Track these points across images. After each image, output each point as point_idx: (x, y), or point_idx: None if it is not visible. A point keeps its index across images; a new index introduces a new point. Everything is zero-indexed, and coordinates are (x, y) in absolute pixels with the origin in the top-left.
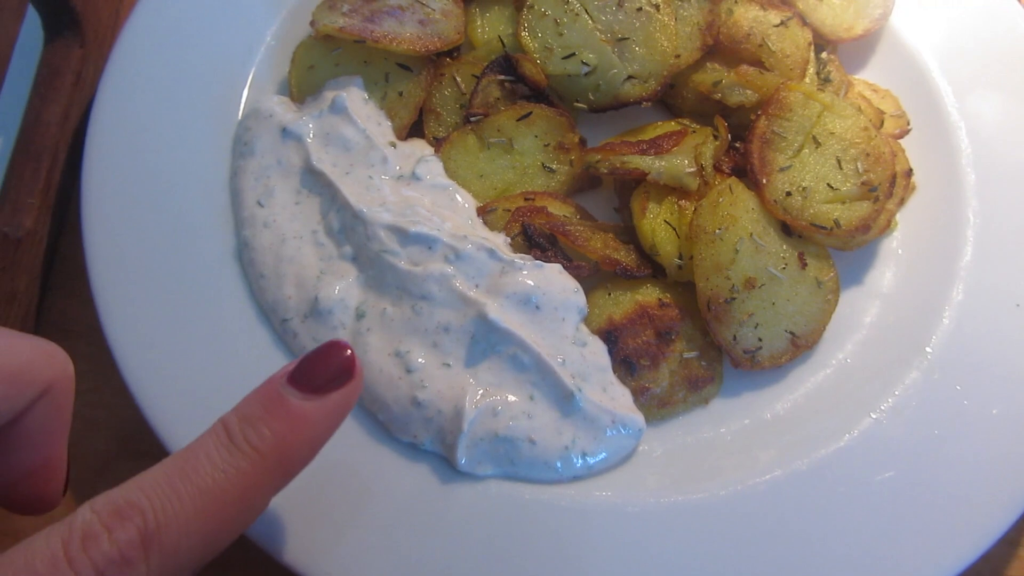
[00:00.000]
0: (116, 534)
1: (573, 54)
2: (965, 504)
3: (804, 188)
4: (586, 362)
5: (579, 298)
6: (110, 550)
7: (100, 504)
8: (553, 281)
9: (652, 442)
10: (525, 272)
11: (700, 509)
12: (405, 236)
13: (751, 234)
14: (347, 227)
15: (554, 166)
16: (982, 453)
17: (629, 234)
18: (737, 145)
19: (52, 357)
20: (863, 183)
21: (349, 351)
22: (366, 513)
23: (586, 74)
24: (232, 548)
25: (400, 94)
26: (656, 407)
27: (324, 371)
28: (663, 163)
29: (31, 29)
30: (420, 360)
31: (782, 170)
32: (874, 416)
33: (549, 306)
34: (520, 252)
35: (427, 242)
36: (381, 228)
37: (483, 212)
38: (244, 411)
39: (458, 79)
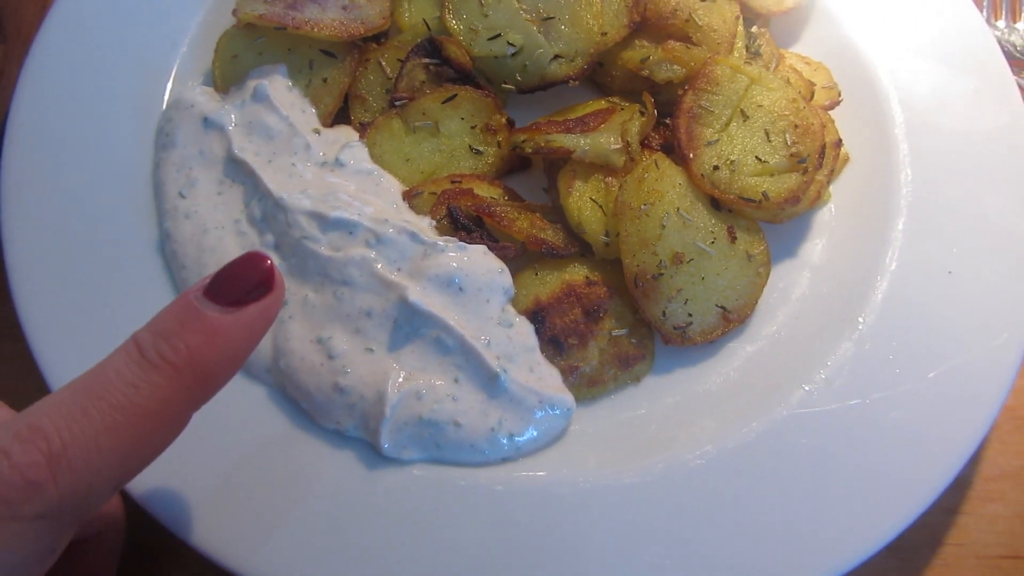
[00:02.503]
0: (17, 458)
1: (499, 35)
2: (899, 472)
3: (732, 161)
4: (512, 343)
5: (504, 279)
6: (11, 475)
7: (0, 432)
8: (477, 262)
9: (584, 421)
10: (448, 254)
11: (635, 487)
12: (325, 222)
13: (678, 209)
14: (268, 215)
15: (481, 148)
16: (915, 421)
17: (557, 214)
18: (666, 121)
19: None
20: (792, 155)
21: (268, 262)
22: (291, 502)
23: (512, 55)
24: (159, 538)
25: (324, 81)
26: (586, 386)
27: (241, 282)
28: (588, 141)
29: None
30: (342, 346)
31: (709, 144)
32: (807, 388)
33: (473, 287)
34: (446, 235)
35: (347, 227)
36: (301, 214)
37: (409, 196)
38: (157, 326)
39: (384, 64)
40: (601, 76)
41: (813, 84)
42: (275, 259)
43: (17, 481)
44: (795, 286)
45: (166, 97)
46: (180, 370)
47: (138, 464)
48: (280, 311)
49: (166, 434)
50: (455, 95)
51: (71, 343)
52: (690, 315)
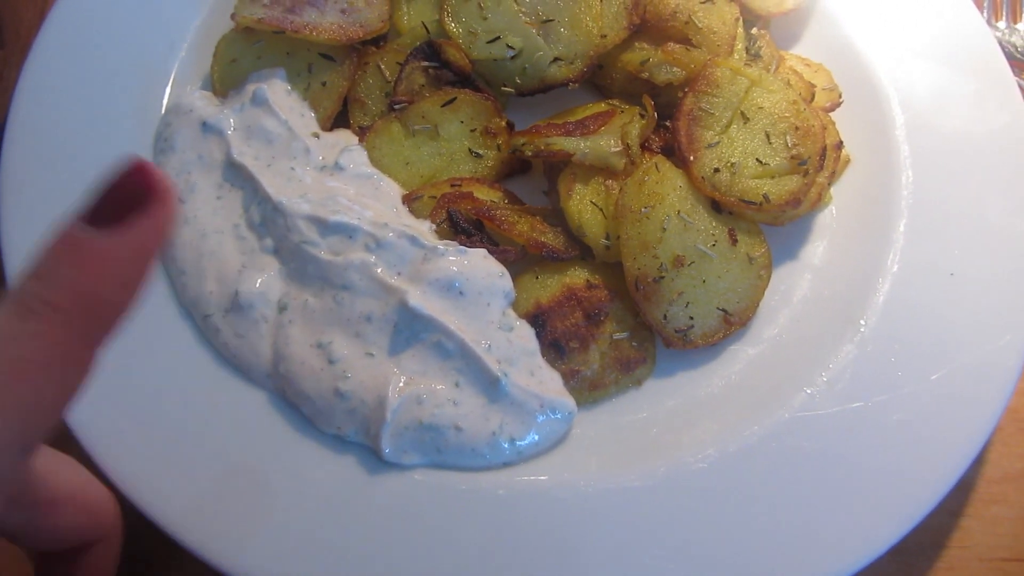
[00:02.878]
0: None
1: (498, 38)
2: (901, 475)
3: (732, 164)
4: (513, 347)
5: (504, 282)
6: None
7: None
8: (477, 266)
9: (586, 425)
10: (448, 258)
11: (637, 491)
12: (325, 226)
13: (678, 212)
14: (268, 219)
15: (481, 151)
16: (917, 423)
17: (558, 217)
18: (667, 124)
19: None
20: (792, 157)
21: (151, 171)
22: (292, 507)
23: (512, 58)
24: (158, 543)
25: (323, 84)
26: (587, 390)
27: (120, 197)
28: (588, 144)
29: None
30: (343, 351)
31: (710, 146)
32: (809, 391)
33: (473, 291)
34: (446, 239)
35: (347, 231)
36: (300, 219)
37: (409, 200)
38: (34, 267)
39: (383, 67)
40: (601, 78)
41: (813, 86)
42: (274, 263)
43: None
44: (796, 288)
45: (165, 102)
46: (64, 309)
47: (41, 419)
48: (283, 321)
49: (67, 381)
50: (454, 98)
51: None
52: (691, 318)
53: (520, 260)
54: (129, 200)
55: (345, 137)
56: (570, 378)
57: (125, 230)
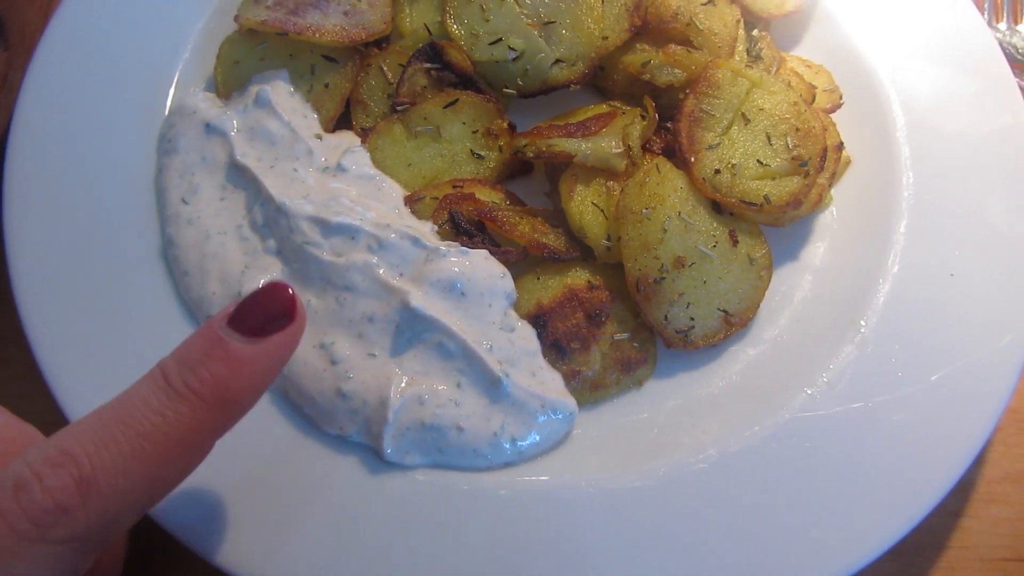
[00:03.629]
0: (48, 482)
1: (500, 40)
2: (901, 475)
3: (733, 165)
4: (514, 347)
5: (506, 283)
6: (43, 499)
7: (32, 455)
8: (479, 267)
9: (587, 425)
10: (450, 259)
11: (638, 491)
12: (327, 227)
13: (679, 213)
14: (271, 221)
15: (483, 152)
16: (918, 424)
17: (559, 218)
18: (668, 125)
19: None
20: (793, 158)
21: (290, 291)
22: (294, 508)
23: (513, 59)
24: (162, 544)
25: (326, 86)
26: (588, 390)
27: (264, 312)
28: (590, 145)
29: None
30: (345, 351)
31: (711, 148)
32: (809, 391)
33: (475, 292)
34: (448, 240)
35: (349, 232)
36: (303, 220)
37: (411, 201)
38: (182, 355)
39: (385, 69)
40: (602, 80)
41: (814, 87)
42: (277, 264)
43: (48, 505)
44: (797, 289)
45: (168, 103)
46: (205, 399)
47: (162, 490)
48: None
49: (190, 461)
50: (456, 100)
51: (74, 349)
52: (692, 319)
53: (521, 261)
54: (272, 317)
55: (348, 138)
56: (571, 379)
57: (267, 342)
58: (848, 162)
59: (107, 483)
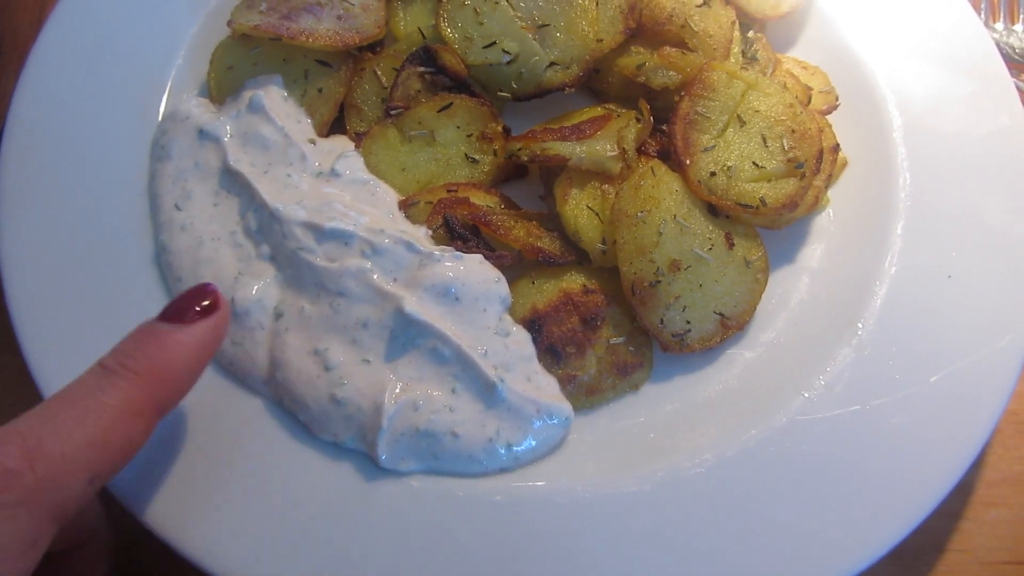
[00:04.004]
0: None
1: (494, 43)
2: (900, 478)
3: (729, 167)
4: (509, 352)
5: (501, 288)
6: None
7: None
8: (473, 272)
9: (583, 430)
10: (444, 264)
11: (634, 496)
12: (321, 232)
13: (675, 216)
14: (264, 226)
15: (477, 156)
16: (916, 426)
17: (554, 222)
18: (663, 128)
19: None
20: (789, 160)
21: (215, 291)
22: (289, 515)
23: (508, 63)
24: (155, 551)
25: (320, 91)
26: (584, 395)
27: (190, 304)
28: (584, 148)
29: None
30: (339, 357)
31: (706, 150)
32: (807, 395)
33: (469, 297)
34: (442, 244)
35: (343, 237)
36: (296, 225)
37: (405, 206)
38: (116, 347)
39: (379, 73)
40: (597, 83)
41: (810, 88)
42: (271, 270)
43: None
44: (794, 292)
45: (162, 109)
46: (140, 373)
47: (109, 457)
48: (279, 328)
49: (134, 430)
50: (451, 104)
51: (67, 355)
52: (688, 322)
53: (516, 265)
54: (196, 307)
55: (341, 143)
56: (567, 383)
57: (194, 326)
58: (844, 164)
59: (51, 449)
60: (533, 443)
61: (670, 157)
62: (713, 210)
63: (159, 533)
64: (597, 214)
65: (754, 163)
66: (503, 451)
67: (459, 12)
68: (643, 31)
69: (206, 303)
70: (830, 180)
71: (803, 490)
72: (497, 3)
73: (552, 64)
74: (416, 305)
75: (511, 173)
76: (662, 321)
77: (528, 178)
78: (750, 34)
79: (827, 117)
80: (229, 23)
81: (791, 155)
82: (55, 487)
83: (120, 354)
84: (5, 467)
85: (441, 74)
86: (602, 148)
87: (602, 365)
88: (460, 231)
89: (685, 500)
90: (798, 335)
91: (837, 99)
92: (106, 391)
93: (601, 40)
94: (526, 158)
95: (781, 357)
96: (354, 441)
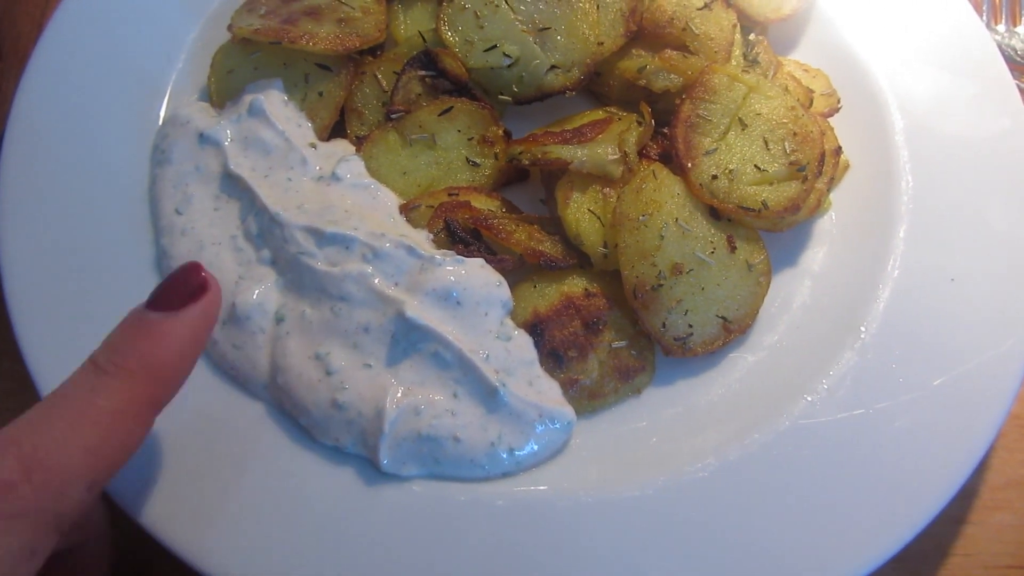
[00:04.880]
0: None
1: (494, 46)
2: (904, 482)
3: (731, 171)
4: (511, 356)
5: (502, 292)
6: None
7: None
8: (474, 275)
9: (585, 435)
10: (445, 268)
11: (637, 500)
12: (321, 237)
13: (676, 219)
14: (265, 231)
15: (478, 160)
16: (919, 430)
17: (555, 225)
18: (664, 131)
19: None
20: (791, 163)
21: (203, 271)
22: (291, 519)
23: (508, 66)
24: (156, 555)
25: (320, 94)
26: (586, 399)
27: (178, 289)
28: (586, 152)
29: None
30: (340, 362)
31: (708, 153)
32: (809, 398)
33: (471, 301)
34: (444, 248)
35: (344, 242)
36: (297, 230)
37: (406, 210)
38: (108, 341)
39: (379, 77)
40: (598, 86)
41: (812, 91)
42: (272, 275)
43: None
44: (796, 295)
45: (162, 113)
46: (133, 371)
47: (107, 462)
48: (280, 332)
49: (130, 432)
50: (451, 107)
51: (69, 361)
52: (690, 326)
53: (518, 269)
54: (185, 292)
55: (342, 147)
56: (569, 387)
57: (183, 313)
58: (847, 166)
59: (48, 458)
60: (535, 447)
61: (671, 160)
62: (715, 213)
63: (160, 537)
64: (599, 217)
65: (756, 166)
66: (505, 456)
67: (459, 16)
68: (644, 34)
69: (195, 285)
70: (832, 183)
71: (806, 494)
72: (498, 6)
73: (553, 67)
74: (417, 309)
75: (512, 177)
76: (664, 325)
77: (529, 182)
78: (751, 37)
79: (829, 120)
80: (229, 27)
81: (793, 158)
82: (53, 497)
83: (111, 350)
84: (2, 479)
85: (442, 78)
86: (603, 151)
87: (604, 369)
88: (461, 235)
89: (687, 504)
90: (801, 338)
91: (839, 102)
92: (100, 393)
93: (602, 43)
94: (527, 162)
95: (784, 361)
96: (355, 446)
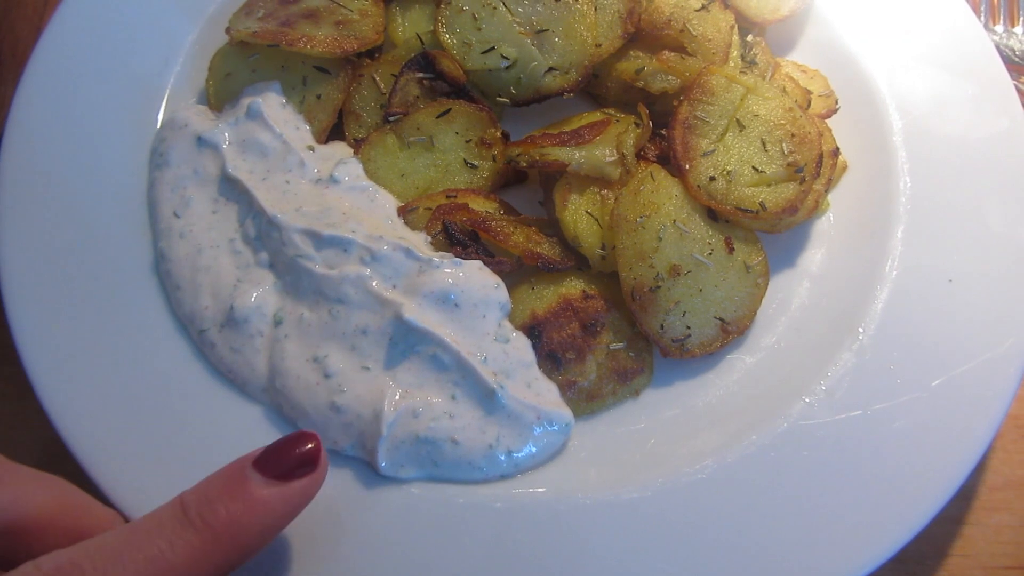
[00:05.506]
0: None
1: (492, 48)
2: (902, 483)
3: (728, 172)
4: (509, 358)
5: (500, 294)
6: None
7: (45, 562)
8: (472, 278)
9: (583, 437)
10: (443, 270)
11: (635, 502)
12: (319, 240)
13: (674, 221)
14: (263, 234)
15: (476, 162)
16: (918, 431)
17: (554, 227)
18: (662, 132)
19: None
20: (789, 164)
21: (316, 441)
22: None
23: (506, 68)
24: None
25: (318, 97)
26: (585, 401)
27: (289, 458)
28: (583, 153)
29: None
30: (338, 364)
31: (705, 155)
32: (807, 400)
33: (469, 303)
34: (442, 250)
35: (342, 245)
36: (295, 233)
37: (404, 212)
38: (204, 488)
39: (377, 79)
40: (596, 88)
41: (810, 92)
42: (270, 277)
43: None
44: (794, 296)
45: (160, 116)
46: (216, 534)
47: None
48: (278, 335)
49: None
50: (449, 109)
51: (67, 365)
52: (688, 327)
53: (516, 271)
54: (296, 463)
55: (340, 150)
56: (567, 389)
57: (287, 486)
58: (844, 167)
59: None
60: (533, 450)
61: (669, 162)
62: (713, 215)
63: None
64: (596, 219)
65: (754, 167)
66: (503, 458)
67: (457, 18)
68: (642, 35)
69: (307, 458)
70: (830, 184)
71: (805, 495)
72: (495, 8)
73: (551, 69)
74: (415, 312)
75: (510, 179)
76: (662, 326)
77: (527, 183)
78: (749, 38)
79: (827, 121)
80: (227, 30)
81: (791, 159)
82: None
83: (203, 501)
84: None
85: (440, 80)
86: (601, 153)
87: (602, 371)
88: (459, 237)
89: (686, 506)
90: (799, 340)
91: (837, 103)
92: (176, 547)
93: (600, 45)
94: (525, 163)
95: (782, 362)
96: (354, 448)
